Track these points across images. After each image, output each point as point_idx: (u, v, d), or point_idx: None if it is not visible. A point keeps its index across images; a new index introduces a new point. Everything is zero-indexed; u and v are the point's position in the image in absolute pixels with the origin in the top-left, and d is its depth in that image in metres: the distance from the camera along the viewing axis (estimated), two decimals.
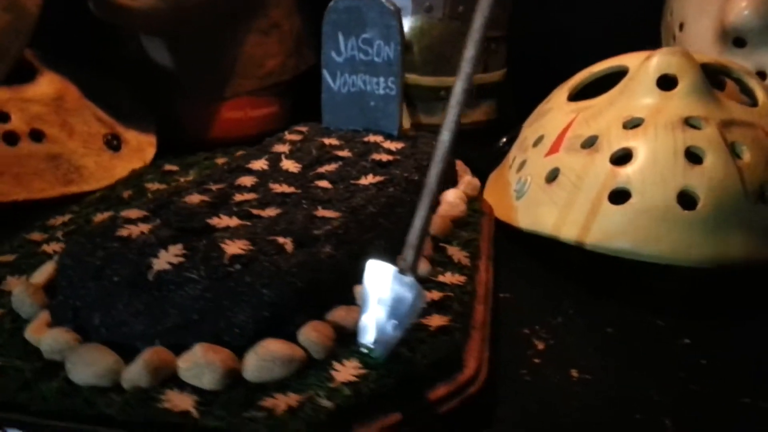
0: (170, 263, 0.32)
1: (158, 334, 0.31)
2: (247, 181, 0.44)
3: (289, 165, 0.47)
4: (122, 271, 0.32)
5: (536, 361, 0.39)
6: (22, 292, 0.34)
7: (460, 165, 0.58)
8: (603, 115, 0.52)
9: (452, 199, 0.49)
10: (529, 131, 0.62)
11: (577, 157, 0.50)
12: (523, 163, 0.57)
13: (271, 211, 0.38)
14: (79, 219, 0.49)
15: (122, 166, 0.67)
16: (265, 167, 0.47)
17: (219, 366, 0.29)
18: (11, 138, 0.60)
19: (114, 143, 0.68)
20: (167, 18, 0.68)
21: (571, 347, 0.40)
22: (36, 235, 0.45)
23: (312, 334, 0.31)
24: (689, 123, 0.47)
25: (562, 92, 0.61)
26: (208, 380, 0.29)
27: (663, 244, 0.43)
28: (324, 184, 0.44)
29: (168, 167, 0.61)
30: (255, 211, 0.38)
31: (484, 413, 0.34)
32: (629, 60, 0.57)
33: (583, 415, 0.34)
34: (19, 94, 0.63)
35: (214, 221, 0.36)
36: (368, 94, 0.55)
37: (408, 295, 0.31)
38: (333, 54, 0.55)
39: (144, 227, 0.35)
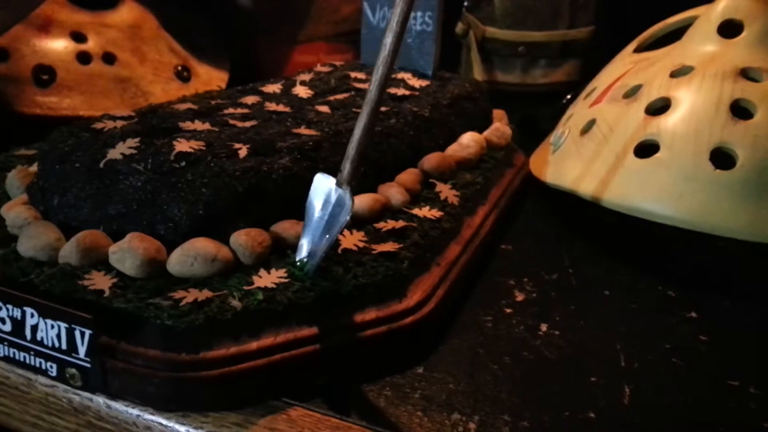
0: (122, 154, 0.32)
1: (101, 220, 0.32)
2: (249, 100, 0.44)
3: (301, 91, 0.47)
4: (83, 158, 0.33)
5: (507, 311, 0.36)
6: (13, 175, 0.37)
7: (497, 113, 0.54)
8: (655, 64, 0.47)
9: (466, 141, 0.46)
10: (590, 85, 0.57)
11: (615, 107, 0.45)
12: (570, 117, 0.53)
13: (247, 123, 0.38)
14: None
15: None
16: (277, 91, 0.47)
17: (141, 253, 0.29)
18: (84, 58, 0.64)
19: (184, 74, 0.71)
20: None
21: (553, 303, 0.37)
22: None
23: (241, 238, 0.31)
24: (746, 74, 0.41)
25: (632, 44, 0.56)
26: (129, 265, 0.29)
27: (686, 207, 0.38)
28: (323, 108, 0.43)
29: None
30: (232, 122, 0.38)
31: (421, 349, 0.32)
32: (701, 11, 0.50)
33: (529, 372, 0.31)
34: (98, 19, 0.67)
35: (186, 125, 0.36)
36: (406, 30, 0.53)
37: (340, 208, 0.29)
38: None
39: (120, 123, 0.36)
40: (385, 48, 0.30)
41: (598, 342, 0.33)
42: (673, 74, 0.43)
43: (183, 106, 0.40)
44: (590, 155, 0.44)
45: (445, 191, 0.40)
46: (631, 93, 0.45)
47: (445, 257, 0.36)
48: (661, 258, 0.42)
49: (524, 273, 0.39)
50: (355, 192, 0.30)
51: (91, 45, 0.65)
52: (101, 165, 0.32)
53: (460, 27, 0.77)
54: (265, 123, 0.38)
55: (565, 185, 0.45)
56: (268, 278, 0.30)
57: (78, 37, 0.65)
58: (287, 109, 0.42)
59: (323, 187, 0.31)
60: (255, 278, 0.30)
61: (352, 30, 0.81)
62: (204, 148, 0.33)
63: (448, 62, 0.82)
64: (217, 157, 0.33)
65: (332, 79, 0.50)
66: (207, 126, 0.36)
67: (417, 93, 0.47)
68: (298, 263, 0.30)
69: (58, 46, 0.64)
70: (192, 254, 0.30)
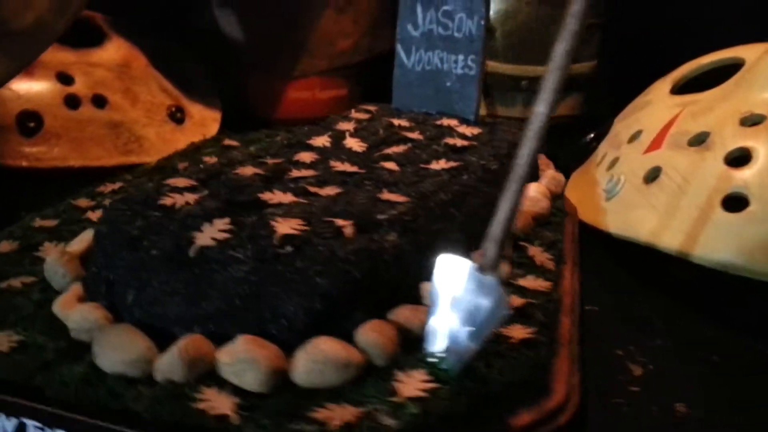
0: (214, 239, 0.28)
1: (197, 320, 0.27)
2: (306, 157, 0.39)
3: (353, 143, 0.43)
4: (161, 243, 0.28)
5: (633, 389, 0.33)
6: (55, 260, 0.31)
7: (542, 159, 0.52)
8: (715, 110, 0.45)
9: (534, 194, 0.43)
10: (622, 126, 0.55)
11: (684, 156, 0.44)
12: (615, 161, 0.51)
13: (329, 190, 0.34)
14: (130, 187, 0.46)
15: (184, 139, 0.65)
16: (327, 144, 0.43)
17: (264, 364, 0.25)
18: (73, 101, 0.58)
19: (177, 116, 0.66)
20: None
21: (673, 376, 0.34)
22: (82, 201, 0.43)
23: (372, 336, 0.27)
24: None
25: (663, 85, 0.55)
26: (251, 380, 0.25)
27: None
28: (390, 165, 0.39)
29: (228, 142, 0.58)
30: (312, 189, 0.34)
31: None
32: (745, 52, 0.50)
33: None
34: (84, 58, 0.61)
35: (266, 196, 0.32)
36: (445, 73, 0.50)
37: (487, 298, 0.26)
38: (409, 27, 0.51)
39: (190, 197, 0.31)
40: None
41: (740, 423, 0.31)
42: (744, 122, 0.42)
43: (246, 171, 0.35)
44: (665, 207, 0.42)
45: (538, 255, 0.37)
46: (698, 141, 0.44)
47: (562, 334, 0.32)
48: (745, 310, 0.41)
49: (627, 340, 0.37)
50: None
51: (78, 87, 0.59)
52: (191, 254, 0.27)
53: None
54: (347, 189, 0.34)
55: (638, 237, 0.43)
56: (411, 383, 0.26)
57: (64, 78, 0.58)
58: (356, 169, 0.38)
59: (455, 271, 0.27)
60: (396, 385, 0.25)
61: (347, 64, 0.78)
62: (306, 227, 0.29)
63: None
64: (322, 237, 0.28)
65: (379, 128, 0.46)
66: (291, 197, 0.32)
67: (474, 143, 0.44)
68: (439, 361, 0.27)
69: (44, 89, 0.57)
70: (321, 360, 0.25)
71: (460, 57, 0.49)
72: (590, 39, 0.75)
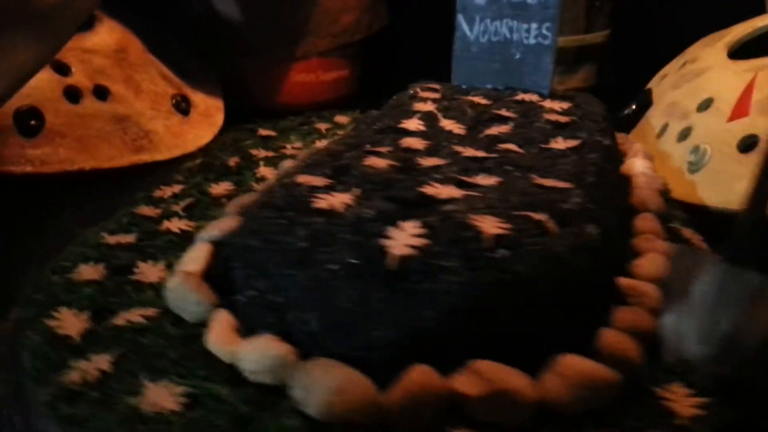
0: (412, 246, 0.23)
1: (408, 345, 0.22)
2: (415, 143, 0.35)
3: (450, 125, 0.38)
4: (339, 255, 0.23)
5: None
6: (181, 285, 0.25)
7: (621, 136, 0.49)
8: None
9: (647, 170, 0.40)
10: (678, 95, 0.53)
11: None
12: (687, 131, 0.49)
13: (483, 179, 0.29)
14: (192, 190, 0.39)
15: (193, 132, 0.58)
16: (422, 128, 0.38)
17: (521, 395, 0.20)
18: (73, 94, 0.50)
19: (182, 105, 0.59)
20: None
21: None
22: (146, 210, 0.36)
23: (618, 348, 0.23)
24: None
25: (715, 50, 0.53)
26: (510, 414, 0.20)
27: None
28: (513, 147, 0.35)
29: (263, 132, 0.51)
30: (466, 179, 0.29)
31: None
32: None
33: None
34: (78, 43, 0.53)
35: (430, 190, 0.27)
36: (515, 44, 0.46)
37: (745, 294, 0.22)
38: None
39: (343, 198, 0.26)
40: None
41: None
42: None
43: (378, 162, 0.30)
44: None
45: (690, 235, 0.34)
46: None
47: None
48: None
49: None
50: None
51: (78, 77, 0.51)
52: (391, 265, 0.22)
53: None
54: (498, 176, 0.30)
55: None
56: (680, 401, 0.22)
57: (61, 68, 0.50)
58: (483, 153, 0.33)
59: (692, 264, 0.24)
60: (669, 404, 0.22)
61: (349, 42, 0.72)
62: (507, 225, 0.24)
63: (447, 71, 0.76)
64: (528, 235, 0.24)
65: (465, 107, 0.42)
66: (456, 190, 0.27)
67: (573, 118, 0.41)
68: (693, 370, 0.23)
69: (41, 81, 0.48)
70: (580, 382, 0.21)
71: (533, 26, 0.45)
72: (602, 8, 0.73)
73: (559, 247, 0.24)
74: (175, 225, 0.33)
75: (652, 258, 0.28)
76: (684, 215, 0.37)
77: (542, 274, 0.23)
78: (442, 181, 0.28)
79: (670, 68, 0.59)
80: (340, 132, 0.51)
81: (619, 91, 0.72)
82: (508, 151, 0.34)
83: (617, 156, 0.39)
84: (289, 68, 0.69)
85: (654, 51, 0.71)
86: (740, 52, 0.52)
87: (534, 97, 0.44)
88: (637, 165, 0.41)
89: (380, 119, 0.40)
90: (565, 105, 0.43)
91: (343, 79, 0.73)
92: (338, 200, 0.25)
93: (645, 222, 0.33)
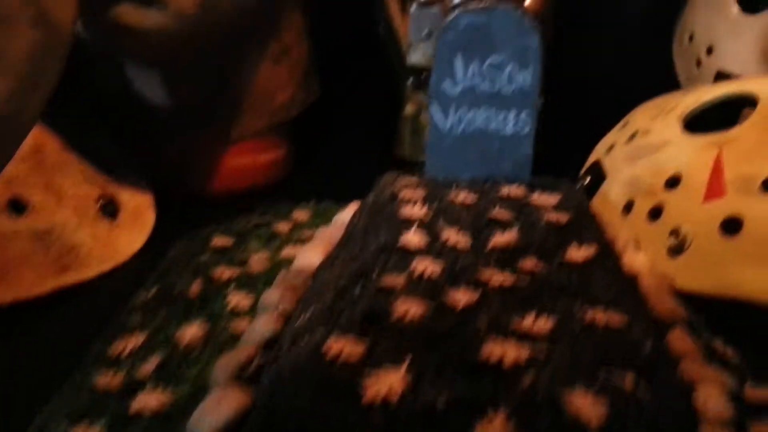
0: (447, 402, 0.19)
1: None
2: (429, 267, 0.31)
3: (453, 236, 0.35)
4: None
5: None
6: None
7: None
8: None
9: (647, 266, 0.38)
10: (638, 170, 0.53)
11: (765, 204, 0.42)
12: (657, 211, 0.48)
13: (536, 324, 0.26)
14: (157, 339, 0.33)
15: (124, 238, 0.51)
16: (425, 243, 0.34)
17: None
18: None
19: (109, 208, 0.52)
20: (176, 41, 0.53)
21: None
22: (106, 378, 0.29)
23: None
24: None
25: (669, 123, 0.54)
26: None
27: None
28: (531, 264, 0.32)
29: (218, 241, 0.45)
30: (516, 324, 0.25)
31: None
32: (755, 86, 0.50)
33: None
34: None
35: (491, 351, 0.23)
36: (492, 134, 0.44)
37: None
38: (446, 84, 0.43)
39: (396, 376, 0.21)
40: None
41: None
42: None
43: (413, 307, 0.26)
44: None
45: (719, 346, 0.32)
46: None
47: None
48: None
49: None
50: None
51: None
52: None
53: (409, 109, 0.69)
54: (545, 312, 0.27)
55: (751, 295, 0.40)
56: None
57: None
58: (509, 277, 0.30)
59: None
60: None
61: (286, 119, 0.68)
62: (605, 400, 0.21)
63: (385, 141, 0.74)
64: (628, 408, 0.21)
65: (453, 210, 0.38)
66: (516, 346, 0.23)
67: (566, 215, 0.38)
68: None
69: None
70: None
71: (511, 114, 0.43)
72: None
73: (663, 419, 0.20)
74: (148, 403, 0.27)
75: (714, 396, 0.26)
76: (695, 316, 0.36)
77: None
78: (493, 329, 0.25)
79: (615, 138, 0.60)
80: (305, 233, 0.46)
81: (551, 158, 0.73)
82: (533, 272, 0.31)
83: (616, 253, 0.37)
84: (224, 151, 0.64)
85: (582, 119, 0.73)
86: (693, 123, 0.53)
87: (519, 191, 0.42)
88: (638, 261, 0.39)
89: (371, 232, 0.36)
90: (554, 199, 0.41)
91: (280, 159, 0.69)
92: (393, 382, 0.21)
93: (681, 342, 0.30)
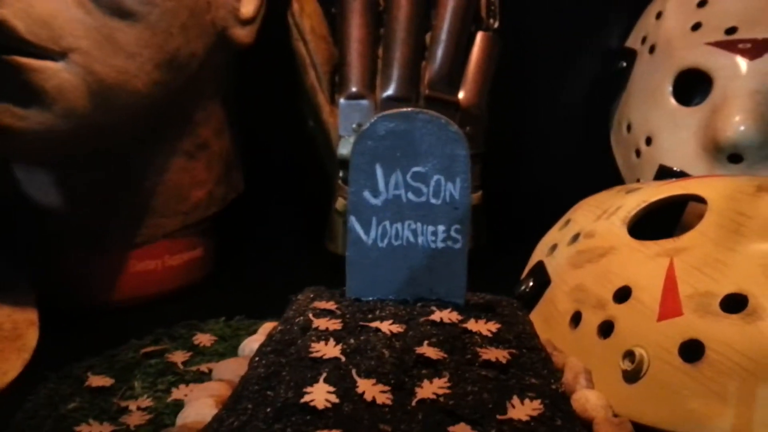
0: None
1: None
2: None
3: (370, 388, 0.28)
4: None
5: None
6: None
7: (549, 344, 0.42)
8: (723, 263, 0.41)
9: (602, 409, 0.33)
10: (583, 277, 0.48)
11: (726, 326, 0.37)
12: (608, 326, 0.43)
13: None
14: None
15: None
16: (333, 400, 0.28)
17: None
18: None
19: None
20: (66, 141, 0.47)
21: None
22: None
23: None
24: None
25: (613, 226, 0.50)
26: None
27: None
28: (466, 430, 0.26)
29: (94, 380, 0.37)
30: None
31: None
32: (702, 189, 0.47)
33: None
34: None
35: None
36: (420, 249, 0.39)
37: None
38: (366, 194, 0.38)
39: None
40: None
41: None
42: None
43: None
44: (737, 395, 0.35)
45: None
46: (733, 307, 0.38)
47: None
48: None
49: None
50: None
51: None
52: None
53: (340, 203, 0.64)
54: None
55: None
56: None
57: None
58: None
59: None
60: None
61: (202, 219, 0.62)
62: None
63: (317, 235, 0.68)
64: None
65: (380, 348, 0.32)
66: None
67: (513, 351, 0.33)
68: None
69: None
70: None
71: (440, 228, 0.38)
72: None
73: None
74: None
75: None
76: None
77: None
78: None
79: (557, 237, 0.55)
80: (203, 367, 0.39)
81: (493, 249, 0.69)
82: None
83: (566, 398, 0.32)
84: (129, 256, 0.57)
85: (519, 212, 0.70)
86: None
87: (453, 315, 0.36)
88: (591, 403, 0.33)
89: (272, 382, 0.29)
90: (493, 327, 0.35)
91: (195, 261, 0.62)
92: None
93: None
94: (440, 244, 0.38)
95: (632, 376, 0.40)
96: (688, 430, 0.36)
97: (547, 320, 0.50)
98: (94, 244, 0.55)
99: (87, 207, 0.53)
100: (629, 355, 0.41)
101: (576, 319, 0.47)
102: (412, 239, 0.38)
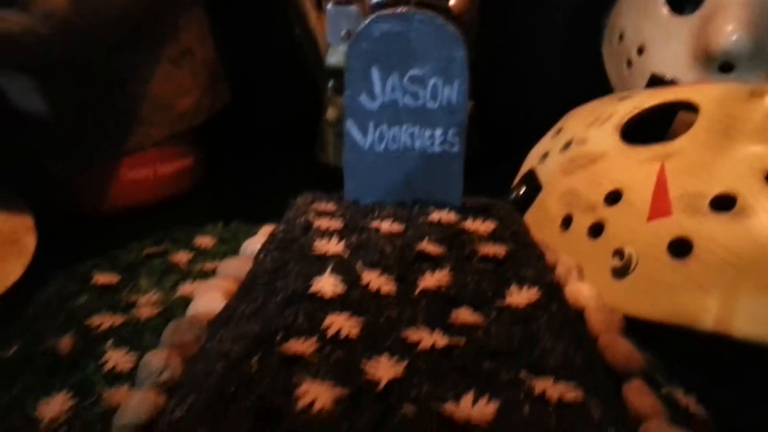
0: None
1: None
2: (344, 325, 0.25)
3: (375, 279, 0.29)
4: None
5: None
6: None
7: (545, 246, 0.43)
8: (713, 165, 0.42)
9: (593, 299, 0.34)
10: (575, 183, 0.49)
11: (716, 224, 0.39)
12: (598, 227, 0.45)
13: (478, 407, 0.21)
14: (12, 418, 0.26)
15: None
16: (340, 289, 0.29)
17: None
18: None
19: None
20: (48, 45, 0.45)
21: None
22: None
23: None
24: None
25: (605, 133, 0.50)
26: None
27: None
28: (467, 315, 0.27)
29: (100, 277, 0.38)
30: (454, 409, 0.20)
31: None
32: (694, 94, 0.47)
33: None
34: None
35: None
36: (418, 153, 0.39)
37: None
38: (363, 98, 0.38)
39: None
40: None
41: None
42: None
43: (322, 393, 0.20)
44: (723, 286, 0.37)
45: (680, 397, 0.28)
46: (722, 205, 0.39)
47: None
48: None
49: None
50: None
51: None
52: None
53: (331, 113, 0.64)
54: (486, 389, 0.21)
55: (700, 325, 0.37)
56: None
57: None
58: (440, 339, 0.25)
59: None
60: None
61: (190, 128, 0.61)
62: None
63: (307, 146, 0.68)
64: None
65: (382, 244, 0.33)
66: None
67: (508, 246, 0.34)
68: None
69: None
70: None
71: (437, 132, 0.38)
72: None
73: None
74: None
75: None
76: (651, 359, 0.32)
77: None
78: (424, 422, 0.19)
79: (548, 145, 0.56)
80: (207, 266, 0.40)
81: (485, 159, 0.69)
82: (467, 326, 0.26)
83: (559, 288, 0.33)
84: (119, 164, 0.56)
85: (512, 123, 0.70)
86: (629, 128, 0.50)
87: (450, 215, 0.37)
88: (583, 294, 0.35)
89: (279, 275, 0.30)
90: (490, 226, 0.36)
91: (185, 170, 0.62)
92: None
93: (641, 398, 0.26)
94: (437, 148, 0.38)
95: (621, 273, 0.42)
96: (674, 321, 0.38)
97: (537, 225, 0.51)
98: (84, 153, 0.54)
99: (73, 116, 0.52)
100: (618, 253, 0.42)
101: (566, 222, 0.48)
102: (409, 143, 0.38)
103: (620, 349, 0.29)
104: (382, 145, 0.39)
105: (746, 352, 0.36)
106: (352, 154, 0.39)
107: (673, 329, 0.39)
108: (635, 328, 0.32)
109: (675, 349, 0.37)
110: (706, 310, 0.37)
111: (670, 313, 0.38)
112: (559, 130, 0.57)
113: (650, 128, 0.51)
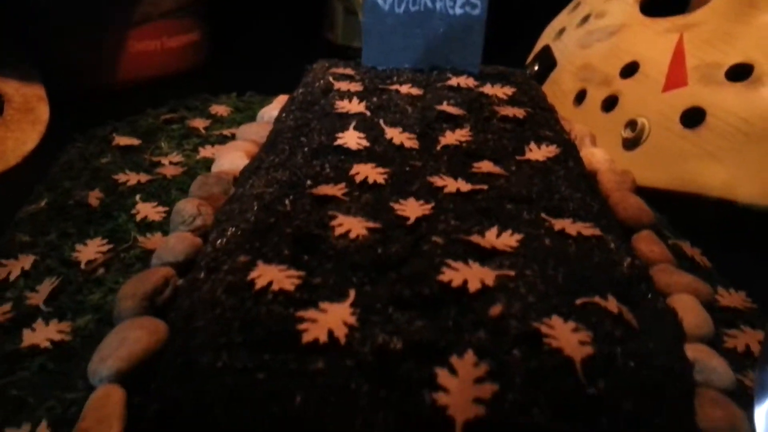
0: (479, 400, 0.15)
1: None
2: (371, 173, 0.26)
3: (397, 135, 0.30)
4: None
5: None
6: None
7: (563, 119, 0.43)
8: (735, 35, 0.41)
9: (606, 163, 0.35)
10: (591, 56, 0.49)
11: (730, 93, 0.39)
12: (611, 101, 0.45)
13: (499, 239, 0.22)
14: (49, 260, 0.27)
15: (11, 136, 0.44)
16: (365, 142, 0.29)
17: None
18: None
19: None
20: None
21: None
22: None
23: None
24: None
25: (625, 4, 0.49)
26: None
27: None
28: (489, 166, 0.28)
29: (120, 139, 0.39)
30: (478, 240, 0.21)
31: None
32: None
33: None
34: None
35: (454, 276, 0.19)
36: (438, 15, 0.38)
37: None
38: None
39: (340, 313, 0.17)
40: None
41: None
42: None
43: (355, 226, 0.21)
44: (733, 154, 0.38)
45: (687, 249, 0.30)
46: (739, 75, 0.39)
47: None
48: None
49: None
50: None
51: None
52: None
53: None
54: (508, 226, 0.23)
55: (707, 191, 0.38)
56: None
57: None
58: (464, 184, 0.26)
59: None
60: None
61: (197, 1, 0.60)
62: (586, 333, 0.17)
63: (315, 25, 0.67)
64: (614, 341, 0.17)
65: (403, 104, 0.33)
66: (481, 268, 0.20)
67: (527, 110, 0.34)
68: None
69: None
70: None
71: None
72: None
73: (657, 358, 0.17)
74: (43, 336, 0.22)
75: (692, 309, 0.23)
76: (659, 216, 0.33)
77: (646, 401, 0.17)
78: (451, 249, 0.21)
79: (565, 21, 0.55)
80: (225, 132, 0.40)
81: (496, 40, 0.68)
82: (490, 175, 0.27)
83: (576, 149, 0.34)
84: (127, 36, 0.55)
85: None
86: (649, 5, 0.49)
87: (469, 81, 0.37)
88: (597, 157, 0.35)
89: (303, 130, 0.30)
90: (509, 91, 0.36)
91: (193, 43, 0.61)
92: (334, 321, 0.17)
93: (651, 247, 0.27)
94: (458, 10, 0.38)
95: (632, 143, 0.42)
96: (683, 187, 0.39)
97: (551, 100, 0.51)
98: (90, 26, 0.53)
99: None
100: (631, 124, 0.43)
101: (580, 97, 0.48)
102: (429, 5, 0.38)
103: (631, 204, 0.31)
104: (402, 7, 0.38)
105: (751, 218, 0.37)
106: (371, 17, 0.38)
107: (680, 199, 0.40)
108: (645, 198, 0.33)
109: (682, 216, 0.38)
110: (714, 176, 0.38)
111: (678, 181, 0.39)
112: (577, 5, 0.56)
113: (669, 4, 0.50)
